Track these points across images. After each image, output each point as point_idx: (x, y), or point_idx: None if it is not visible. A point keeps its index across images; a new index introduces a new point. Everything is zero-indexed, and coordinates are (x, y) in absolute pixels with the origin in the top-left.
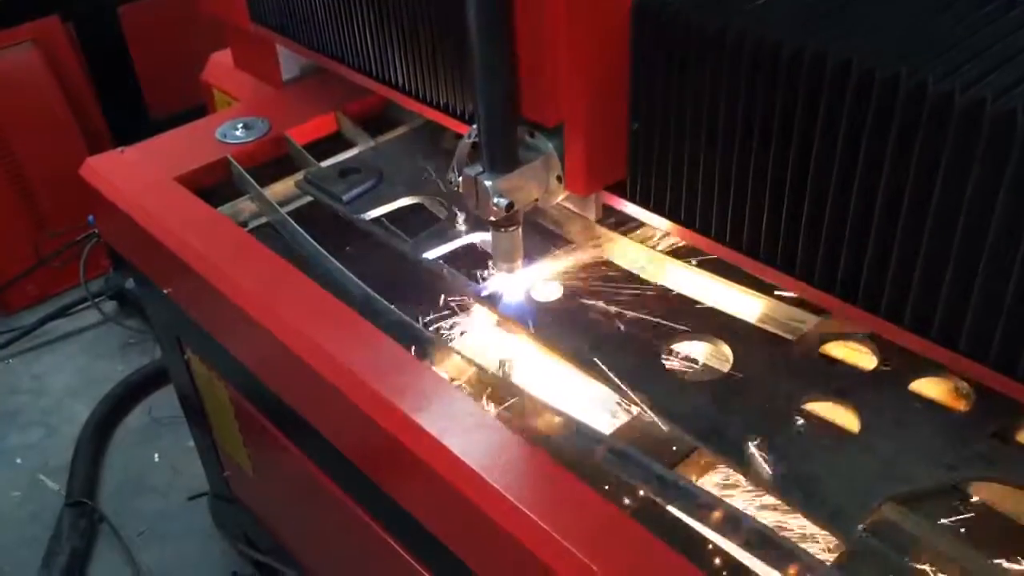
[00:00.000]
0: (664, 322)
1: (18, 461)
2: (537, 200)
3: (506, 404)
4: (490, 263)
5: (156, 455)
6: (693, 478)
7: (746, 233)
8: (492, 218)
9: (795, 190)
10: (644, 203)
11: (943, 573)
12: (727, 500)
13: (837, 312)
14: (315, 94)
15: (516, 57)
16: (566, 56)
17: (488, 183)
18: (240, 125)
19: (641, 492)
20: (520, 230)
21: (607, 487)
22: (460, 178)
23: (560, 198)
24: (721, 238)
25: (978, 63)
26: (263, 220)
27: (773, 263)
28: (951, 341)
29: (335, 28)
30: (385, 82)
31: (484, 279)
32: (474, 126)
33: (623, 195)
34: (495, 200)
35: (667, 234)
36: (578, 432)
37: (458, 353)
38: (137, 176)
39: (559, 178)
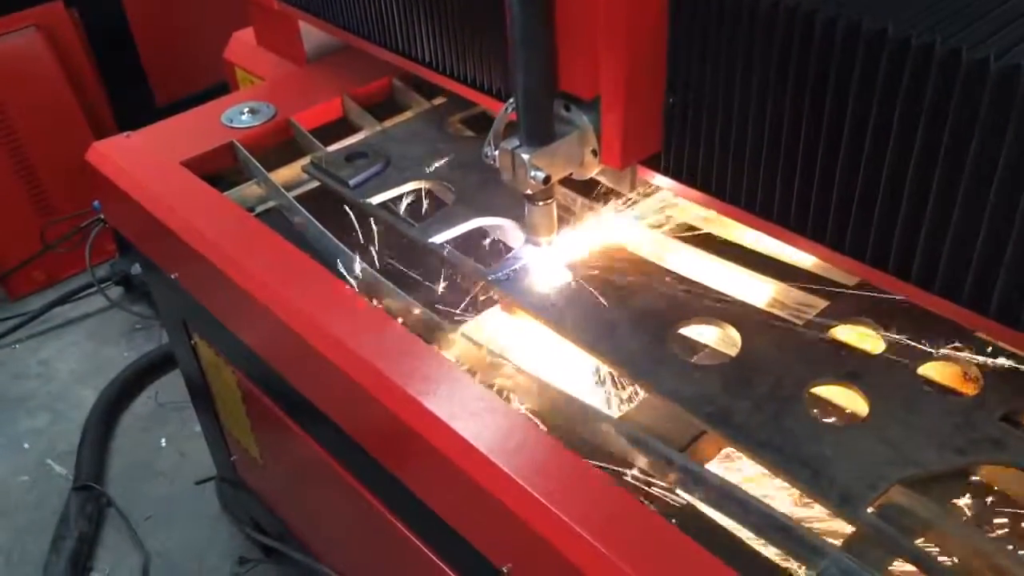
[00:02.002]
0: (672, 306)
1: (25, 446)
2: (572, 173)
3: (513, 387)
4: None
5: (163, 440)
6: (701, 462)
7: (778, 203)
8: (528, 191)
9: (829, 158)
10: (677, 176)
11: (952, 556)
12: (735, 484)
13: (870, 279)
14: (324, 78)
15: (555, 29)
16: (604, 28)
17: (525, 156)
18: (246, 109)
19: (651, 476)
20: (554, 203)
21: (615, 470)
22: (497, 152)
23: (595, 171)
24: (752, 207)
25: (1012, 30)
26: (270, 205)
27: (804, 232)
28: (981, 306)
29: (364, 4)
30: (416, 59)
31: (492, 263)
32: (511, 100)
33: (657, 168)
34: (532, 173)
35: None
36: (586, 415)
37: (466, 336)
38: (144, 161)
39: (594, 152)
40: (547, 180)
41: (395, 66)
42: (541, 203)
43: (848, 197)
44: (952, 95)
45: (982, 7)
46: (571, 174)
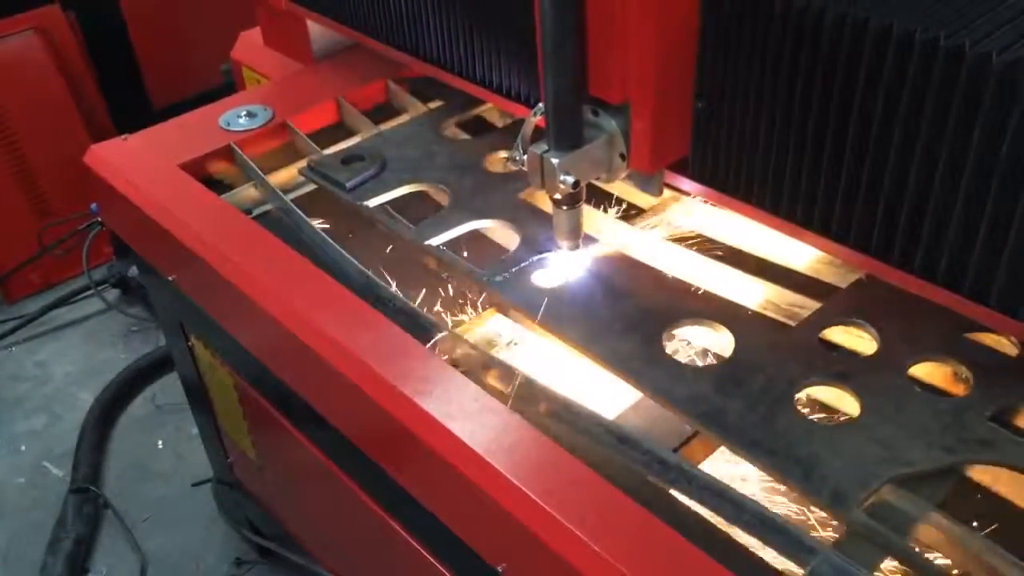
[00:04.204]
0: (665, 307)
1: (22, 448)
2: (599, 178)
3: (509, 389)
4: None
5: (160, 442)
6: (695, 462)
7: (784, 199)
8: (557, 196)
9: (854, 158)
10: (704, 179)
11: (941, 554)
12: (729, 484)
13: (877, 271)
14: (323, 81)
15: (585, 33)
16: (635, 32)
17: (555, 161)
18: (244, 112)
19: (643, 475)
20: (582, 207)
21: (610, 470)
22: (525, 156)
23: (623, 175)
24: (774, 209)
25: (1015, 26)
26: (267, 207)
27: (810, 227)
28: (982, 296)
29: (381, 3)
30: (432, 60)
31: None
32: (539, 105)
33: (684, 173)
34: (561, 178)
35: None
36: (581, 417)
37: (461, 338)
38: (141, 163)
39: (622, 156)
40: (576, 184)
41: (402, 66)
42: (567, 208)
43: (866, 191)
44: (956, 89)
45: (987, 4)
46: (599, 178)
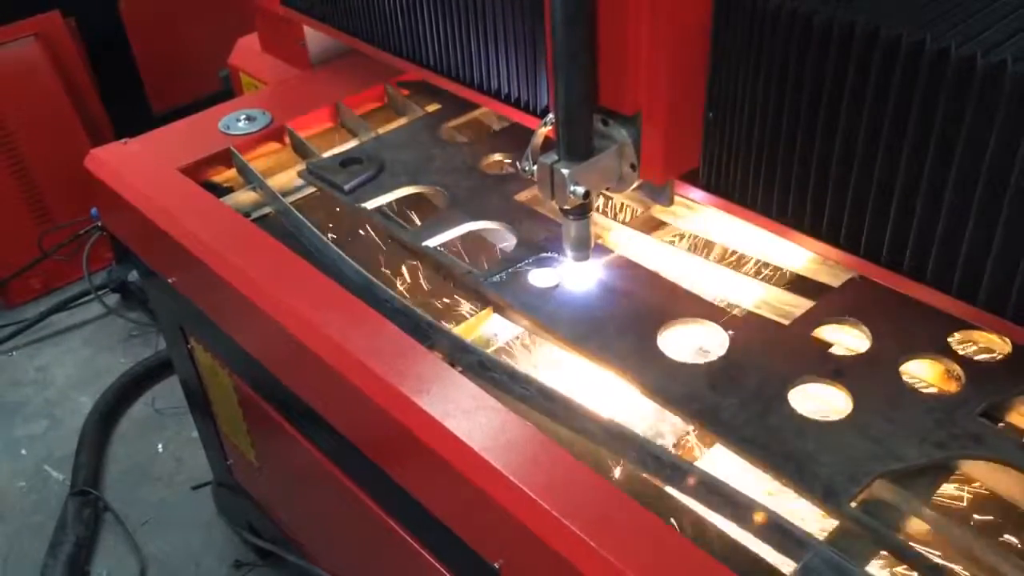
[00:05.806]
0: (661, 306)
1: (23, 452)
2: (609, 188)
3: (505, 388)
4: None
5: (159, 446)
6: (690, 458)
7: (774, 204)
8: (567, 207)
9: (823, 158)
10: (715, 190)
11: (932, 548)
12: (722, 479)
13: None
14: (321, 85)
15: (597, 45)
16: (648, 44)
17: (565, 171)
18: (243, 116)
19: (639, 472)
20: (592, 218)
21: (606, 467)
22: (535, 167)
23: (634, 186)
24: (767, 211)
25: (999, 29)
26: (266, 210)
27: (818, 234)
28: (970, 296)
29: (391, 13)
30: (430, 66)
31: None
32: (549, 115)
33: (694, 183)
34: (572, 188)
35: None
36: (577, 414)
37: (459, 338)
38: (141, 167)
39: (633, 166)
40: (587, 195)
41: (400, 71)
42: (576, 218)
43: (854, 193)
44: (940, 91)
45: (972, 7)
46: (609, 188)
